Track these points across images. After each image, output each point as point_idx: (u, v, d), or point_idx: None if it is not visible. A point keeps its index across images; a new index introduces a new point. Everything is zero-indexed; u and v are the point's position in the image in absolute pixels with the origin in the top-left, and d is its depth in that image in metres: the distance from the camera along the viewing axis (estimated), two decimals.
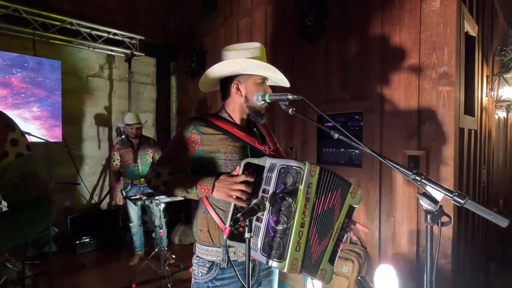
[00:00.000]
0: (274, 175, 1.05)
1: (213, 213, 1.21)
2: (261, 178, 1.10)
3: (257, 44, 1.29)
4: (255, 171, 1.11)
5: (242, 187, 1.06)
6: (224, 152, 1.21)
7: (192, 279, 1.29)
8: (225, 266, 1.20)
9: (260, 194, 1.08)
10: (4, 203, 0.90)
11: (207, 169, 1.22)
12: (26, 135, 0.92)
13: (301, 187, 0.99)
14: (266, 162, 1.11)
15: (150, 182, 1.19)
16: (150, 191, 3.47)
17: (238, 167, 1.13)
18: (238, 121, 1.30)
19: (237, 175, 1.11)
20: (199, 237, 1.26)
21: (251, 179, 1.09)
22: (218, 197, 1.12)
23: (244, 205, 1.08)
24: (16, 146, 0.86)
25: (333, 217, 1.09)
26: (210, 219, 1.22)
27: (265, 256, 1.00)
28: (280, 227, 0.99)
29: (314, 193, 1.02)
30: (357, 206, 1.15)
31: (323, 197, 1.05)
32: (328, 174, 1.06)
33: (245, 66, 1.23)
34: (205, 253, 1.24)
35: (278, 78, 1.35)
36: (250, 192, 1.08)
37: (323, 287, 2.29)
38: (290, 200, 1.00)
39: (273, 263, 0.98)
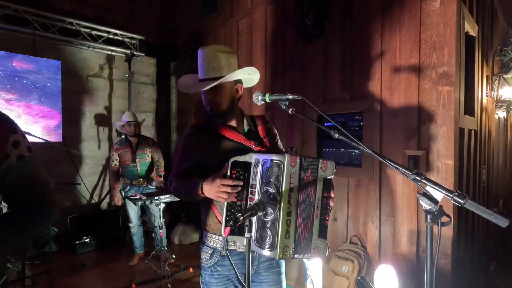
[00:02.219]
0: (259, 170, 1.11)
1: (214, 209, 1.33)
2: (249, 173, 1.16)
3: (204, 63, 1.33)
4: (243, 168, 1.16)
5: (228, 189, 1.12)
6: (216, 153, 1.31)
7: (201, 263, 1.41)
8: (224, 254, 1.28)
9: (250, 189, 1.14)
10: (4, 204, 0.91)
11: (207, 170, 1.28)
12: (26, 135, 0.92)
13: (284, 178, 1.04)
14: (252, 158, 1.16)
15: (168, 191, 1.39)
16: (150, 191, 3.50)
17: (226, 163, 1.17)
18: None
19: (224, 177, 1.15)
20: (205, 229, 1.38)
21: (237, 183, 1.13)
22: (209, 196, 1.20)
23: (229, 200, 1.15)
24: (17, 148, 0.86)
25: (311, 197, 1.12)
26: (212, 215, 1.34)
27: (258, 246, 1.07)
28: (268, 219, 1.05)
29: (297, 182, 1.07)
30: (331, 176, 1.16)
31: (303, 183, 1.09)
32: (306, 160, 1.10)
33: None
34: (209, 240, 1.35)
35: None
36: (237, 191, 1.14)
37: (324, 287, 2.29)
38: (274, 192, 1.05)
39: (266, 252, 1.05)
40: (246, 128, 1.41)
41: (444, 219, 0.81)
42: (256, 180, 1.11)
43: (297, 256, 1.08)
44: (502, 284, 3.14)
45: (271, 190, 1.05)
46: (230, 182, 1.12)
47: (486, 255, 3.12)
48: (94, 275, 3.36)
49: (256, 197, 1.10)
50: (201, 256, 1.39)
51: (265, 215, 1.05)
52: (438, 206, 0.79)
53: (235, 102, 1.38)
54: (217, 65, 1.30)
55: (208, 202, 1.33)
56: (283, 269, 1.42)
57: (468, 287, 2.49)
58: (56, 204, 0.92)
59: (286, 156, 1.04)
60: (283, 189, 1.03)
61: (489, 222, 0.75)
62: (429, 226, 0.81)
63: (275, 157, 1.06)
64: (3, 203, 0.90)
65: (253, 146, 1.33)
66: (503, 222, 0.72)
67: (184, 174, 1.34)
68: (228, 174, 1.14)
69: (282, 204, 1.03)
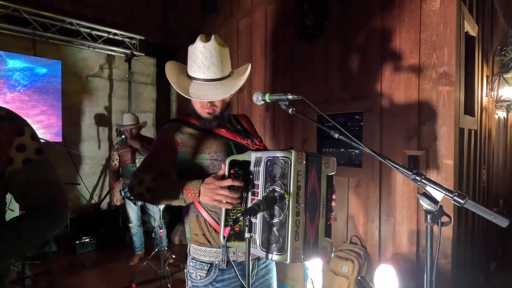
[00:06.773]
0: (262, 169, 1.03)
1: (206, 216, 1.18)
2: (248, 173, 1.08)
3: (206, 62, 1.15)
4: (242, 168, 1.08)
5: (226, 192, 1.01)
6: (209, 152, 1.19)
7: (189, 282, 1.23)
8: (225, 267, 1.17)
9: (251, 190, 1.06)
10: (8, 202, 0.90)
11: (194, 172, 1.18)
12: None
13: (291, 176, 0.97)
14: (251, 156, 1.08)
15: (133, 190, 1.11)
16: None
17: (223, 165, 1.08)
18: None
19: (223, 178, 1.05)
20: (196, 240, 1.22)
21: (237, 183, 1.03)
22: (204, 201, 1.08)
23: (230, 207, 1.05)
24: (23, 152, 0.83)
25: (316, 194, 1.06)
26: (204, 222, 1.19)
27: (264, 251, 0.99)
28: (276, 220, 0.97)
29: (304, 180, 1.00)
30: (333, 174, 1.11)
31: (309, 181, 1.03)
32: (311, 157, 1.04)
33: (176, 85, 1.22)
34: (203, 254, 1.20)
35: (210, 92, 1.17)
36: (237, 196, 1.04)
37: (324, 287, 2.29)
38: (282, 191, 0.97)
39: (274, 257, 0.96)
40: (237, 126, 1.34)
41: (444, 219, 0.81)
42: (259, 179, 1.03)
43: (306, 258, 1.01)
44: (502, 284, 3.14)
45: (278, 189, 0.98)
46: (229, 182, 1.02)
47: (486, 255, 3.12)
48: (94, 275, 3.36)
49: (260, 198, 1.02)
50: (191, 275, 1.20)
51: (272, 216, 0.98)
52: (438, 206, 0.79)
53: (230, 103, 1.29)
54: (223, 62, 1.15)
55: (197, 209, 1.19)
56: (275, 274, 1.35)
57: (468, 287, 2.49)
58: (67, 206, 0.90)
59: (293, 152, 0.97)
60: (291, 188, 0.96)
61: (489, 222, 0.75)
62: (429, 226, 0.81)
63: (280, 154, 0.99)
64: (7, 205, 0.89)
65: (250, 144, 1.25)
66: (503, 222, 0.71)
67: (162, 173, 1.13)
68: (226, 174, 1.06)
69: (291, 204, 0.96)
